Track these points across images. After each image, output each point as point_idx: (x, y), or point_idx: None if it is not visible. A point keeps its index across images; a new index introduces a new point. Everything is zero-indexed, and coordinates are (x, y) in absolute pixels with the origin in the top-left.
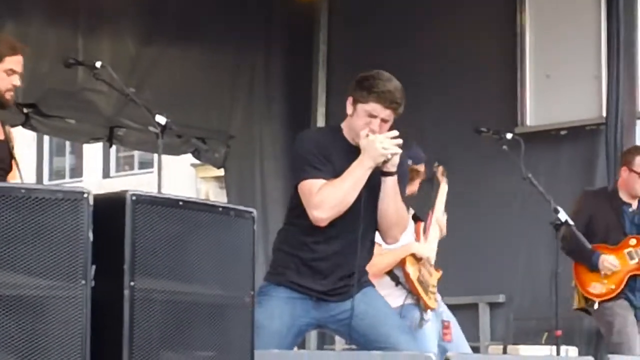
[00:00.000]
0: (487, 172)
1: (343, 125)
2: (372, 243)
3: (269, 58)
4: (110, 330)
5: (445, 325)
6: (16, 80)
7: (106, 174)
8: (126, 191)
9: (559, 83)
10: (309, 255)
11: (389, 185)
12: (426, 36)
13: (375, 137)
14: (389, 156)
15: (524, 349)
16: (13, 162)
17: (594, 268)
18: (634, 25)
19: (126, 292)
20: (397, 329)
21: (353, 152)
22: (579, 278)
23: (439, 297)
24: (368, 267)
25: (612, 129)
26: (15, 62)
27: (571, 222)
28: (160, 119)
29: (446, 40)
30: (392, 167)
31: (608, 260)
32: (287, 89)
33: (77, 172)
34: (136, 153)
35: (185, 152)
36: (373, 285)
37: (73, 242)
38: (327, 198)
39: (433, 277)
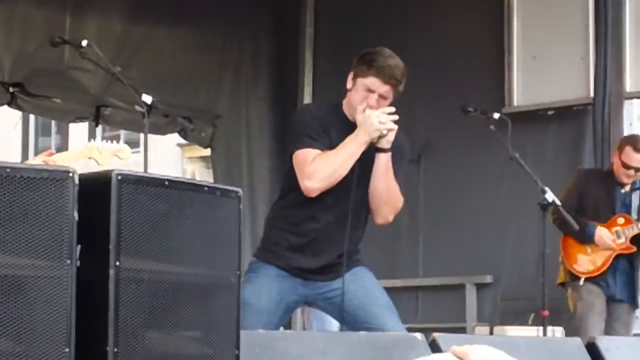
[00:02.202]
0: (475, 152)
1: (344, 101)
2: (366, 220)
3: (256, 38)
4: (96, 310)
5: None
6: None
7: None
8: (112, 170)
9: (546, 63)
10: (299, 230)
11: (382, 161)
12: (413, 17)
13: (372, 112)
14: (384, 132)
15: (511, 330)
16: None
17: (588, 239)
18: (621, 6)
19: (112, 272)
20: (387, 309)
21: (352, 128)
22: (566, 252)
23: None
24: None
25: (599, 109)
26: None
27: (558, 202)
28: (147, 98)
29: (434, 22)
30: (386, 143)
31: (605, 233)
32: (273, 69)
33: (63, 151)
34: (122, 133)
35: (171, 132)
36: (365, 265)
37: (58, 221)
38: (320, 168)
39: None
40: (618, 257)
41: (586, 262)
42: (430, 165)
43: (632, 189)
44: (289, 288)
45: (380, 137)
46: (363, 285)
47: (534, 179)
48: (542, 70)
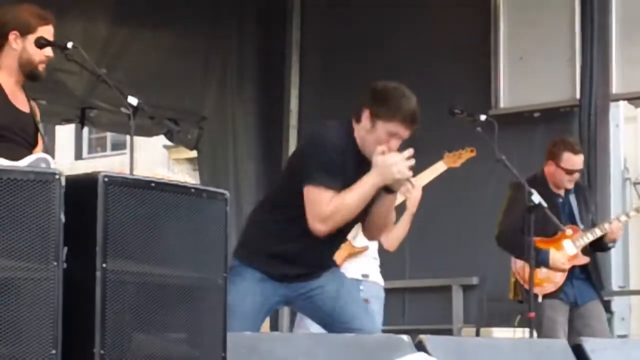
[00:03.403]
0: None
1: (356, 131)
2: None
3: (243, 40)
4: (82, 312)
5: None
6: (49, 52)
7: (78, 156)
8: (98, 172)
9: (532, 65)
10: (288, 244)
11: (390, 201)
12: (400, 19)
13: (391, 157)
14: (401, 180)
15: (497, 332)
16: (39, 136)
17: (542, 265)
18: (608, 8)
19: (98, 274)
20: (363, 311)
21: (363, 162)
22: (520, 272)
23: (354, 273)
24: None
25: (585, 111)
26: (47, 31)
27: (544, 204)
28: (133, 100)
29: (420, 24)
30: (397, 187)
31: (559, 258)
32: (260, 71)
33: (49, 153)
34: (108, 134)
35: (157, 134)
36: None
37: (45, 223)
38: (335, 215)
39: (341, 250)
40: (573, 267)
41: (541, 280)
42: (417, 166)
43: (567, 194)
44: (270, 289)
45: (397, 184)
46: (343, 285)
47: (521, 181)
48: (529, 72)
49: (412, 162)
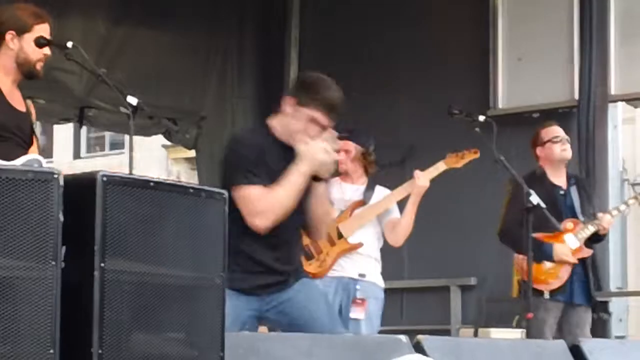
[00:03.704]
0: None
1: (273, 122)
2: (301, 236)
3: (241, 39)
4: (81, 311)
5: (356, 302)
6: (47, 50)
7: (77, 155)
8: (97, 172)
9: (531, 66)
10: (254, 257)
11: (320, 190)
12: (398, 19)
13: (315, 144)
14: (327, 164)
15: (495, 332)
16: (33, 137)
17: (546, 258)
18: (607, 9)
19: (96, 274)
20: (335, 320)
21: (286, 151)
22: (524, 269)
23: (351, 272)
24: None
25: (584, 111)
26: (44, 30)
27: (543, 205)
28: (132, 100)
29: (419, 24)
30: (326, 173)
31: (563, 249)
32: (259, 70)
33: (47, 152)
34: (107, 134)
35: (156, 133)
36: (308, 276)
37: (43, 222)
38: (269, 207)
39: (335, 246)
40: (574, 263)
41: (546, 275)
42: (415, 167)
43: (568, 186)
44: (244, 303)
45: (324, 170)
46: (312, 297)
47: (520, 182)
48: (527, 72)
49: (337, 145)
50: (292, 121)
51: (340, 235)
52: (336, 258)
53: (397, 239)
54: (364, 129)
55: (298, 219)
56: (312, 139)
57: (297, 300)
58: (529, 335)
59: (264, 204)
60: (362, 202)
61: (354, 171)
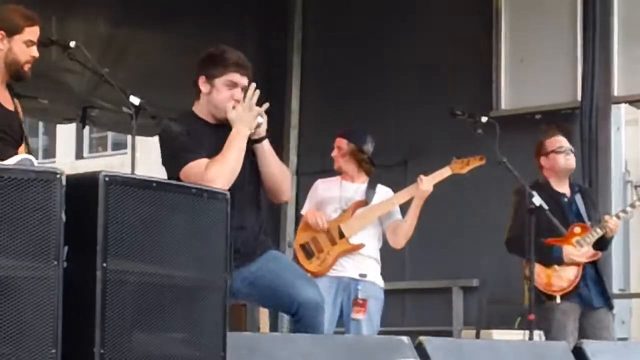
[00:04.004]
0: (462, 156)
1: (196, 109)
2: (262, 203)
3: (244, 40)
4: (83, 311)
5: (357, 303)
6: (35, 52)
7: (79, 155)
8: (99, 172)
9: (534, 67)
10: None
11: (267, 148)
12: (401, 20)
13: (242, 106)
14: (260, 120)
15: (497, 334)
16: (23, 136)
17: (556, 261)
18: (610, 10)
19: (98, 274)
20: (305, 280)
21: (217, 130)
22: (539, 276)
23: (352, 272)
24: None
25: (586, 113)
26: (34, 32)
27: (545, 207)
28: (134, 100)
29: (421, 25)
30: (263, 132)
31: (572, 251)
32: (261, 71)
33: (49, 152)
34: (110, 134)
35: (158, 133)
36: (275, 249)
37: (45, 222)
38: (218, 172)
39: (336, 246)
40: (585, 265)
41: (557, 280)
42: (417, 168)
43: (572, 194)
44: None
45: (257, 127)
46: (281, 262)
47: (522, 183)
48: (530, 73)
49: (266, 105)
50: (213, 97)
51: (341, 235)
52: (337, 258)
53: (399, 241)
54: (362, 130)
55: (254, 191)
56: (237, 101)
57: (267, 267)
58: (548, 339)
59: (213, 171)
60: (364, 202)
61: (352, 170)
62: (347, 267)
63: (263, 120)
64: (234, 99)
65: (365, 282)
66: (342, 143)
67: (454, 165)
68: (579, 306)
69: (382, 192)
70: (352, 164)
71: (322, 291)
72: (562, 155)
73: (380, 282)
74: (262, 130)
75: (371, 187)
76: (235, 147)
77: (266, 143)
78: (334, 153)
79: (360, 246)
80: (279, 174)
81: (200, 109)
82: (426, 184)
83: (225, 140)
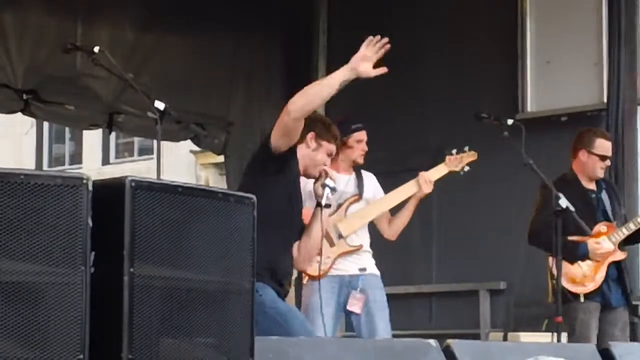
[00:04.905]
0: (488, 158)
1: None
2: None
3: (269, 44)
4: (110, 316)
5: (355, 297)
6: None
7: (106, 161)
8: (126, 177)
9: (559, 69)
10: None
11: (324, 218)
12: (427, 24)
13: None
14: (334, 186)
15: (525, 336)
16: None
17: (582, 257)
18: (635, 11)
19: (125, 279)
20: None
21: (298, 182)
22: (564, 273)
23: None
24: None
25: (613, 114)
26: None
27: (572, 209)
28: (159, 105)
29: (447, 27)
30: (332, 200)
31: (597, 249)
32: (287, 75)
33: (76, 158)
34: (136, 139)
35: (184, 139)
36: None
37: (72, 228)
38: (300, 97)
39: (335, 248)
40: (608, 265)
41: (582, 278)
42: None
43: (599, 191)
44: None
45: (333, 191)
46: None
47: (548, 186)
48: (556, 76)
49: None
50: (315, 154)
51: (339, 236)
52: (336, 260)
53: (394, 234)
54: (350, 120)
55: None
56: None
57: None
58: (572, 339)
59: (296, 97)
60: (358, 197)
61: (341, 159)
62: (346, 265)
63: (336, 190)
64: (325, 165)
65: (366, 276)
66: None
67: (448, 162)
68: (599, 305)
69: (369, 179)
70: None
71: (324, 292)
72: (601, 163)
73: (377, 272)
74: (333, 200)
75: (359, 176)
76: (325, 81)
77: (327, 212)
78: (364, 147)
79: (359, 247)
80: (317, 244)
81: (301, 155)
82: (427, 185)
83: (299, 194)
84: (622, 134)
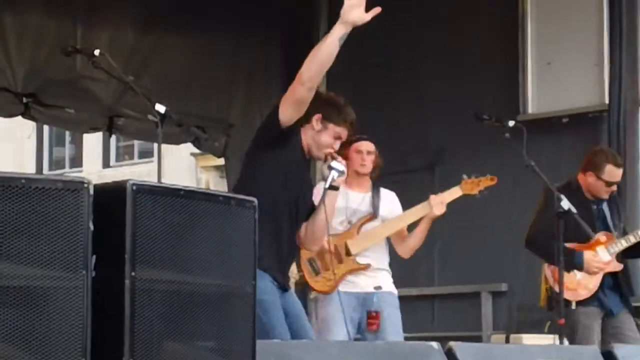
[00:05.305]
0: (489, 160)
1: (302, 133)
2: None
3: (269, 46)
4: (112, 320)
5: (371, 316)
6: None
7: (106, 164)
8: (127, 181)
9: (560, 70)
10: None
11: (333, 200)
12: (427, 24)
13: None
14: (344, 169)
15: (527, 338)
16: None
17: (577, 267)
18: (637, 12)
19: (127, 282)
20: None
21: (304, 163)
22: (554, 278)
23: (366, 287)
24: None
25: (614, 115)
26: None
27: (574, 210)
28: (160, 108)
29: (448, 28)
30: (340, 182)
31: (593, 259)
32: (287, 77)
33: (77, 162)
34: (136, 142)
35: (185, 141)
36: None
37: (73, 232)
38: (307, 65)
39: (343, 265)
40: (604, 275)
41: (576, 285)
42: (445, 173)
43: (601, 202)
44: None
45: (342, 174)
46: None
47: (550, 187)
48: (557, 77)
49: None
50: (320, 135)
51: (348, 253)
52: (343, 277)
53: (407, 252)
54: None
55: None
56: (333, 154)
57: (289, 307)
58: (573, 344)
59: (307, 64)
60: (372, 217)
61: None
62: (360, 283)
63: (345, 171)
64: (332, 148)
65: (382, 294)
66: (371, 147)
67: (464, 185)
68: (599, 310)
69: (387, 198)
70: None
71: (337, 310)
72: (607, 188)
73: (394, 290)
74: (340, 181)
75: (376, 194)
76: (325, 41)
77: (335, 195)
78: (364, 158)
79: (366, 266)
80: (321, 226)
81: (305, 137)
82: (440, 207)
83: (303, 175)
84: (624, 135)
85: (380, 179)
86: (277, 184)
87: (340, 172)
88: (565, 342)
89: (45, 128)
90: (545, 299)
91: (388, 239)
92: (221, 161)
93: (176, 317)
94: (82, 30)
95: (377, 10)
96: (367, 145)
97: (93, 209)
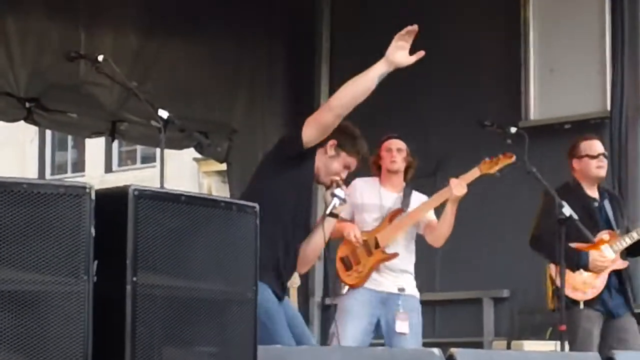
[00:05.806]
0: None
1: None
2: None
3: (272, 53)
4: (113, 325)
5: (401, 317)
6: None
7: (108, 169)
8: (129, 186)
9: (563, 77)
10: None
11: (331, 228)
12: (429, 30)
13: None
14: (345, 197)
15: (528, 344)
16: None
17: (582, 267)
18: (638, 19)
19: (128, 288)
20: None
21: (311, 186)
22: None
23: (390, 287)
24: None
25: (616, 122)
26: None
27: (575, 217)
28: (163, 113)
29: (450, 34)
30: (341, 211)
31: (599, 257)
32: (289, 82)
33: (79, 166)
34: (138, 147)
35: (187, 147)
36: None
37: (75, 237)
38: (338, 96)
39: (372, 257)
40: (609, 274)
41: (582, 285)
42: (447, 179)
43: (602, 199)
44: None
45: (343, 202)
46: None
47: (552, 194)
48: (559, 83)
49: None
50: (331, 162)
51: (377, 245)
52: (372, 268)
53: (438, 240)
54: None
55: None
56: (338, 182)
57: (293, 314)
58: (573, 347)
59: (332, 97)
60: (401, 210)
61: (400, 176)
62: (384, 282)
63: (346, 201)
64: (339, 177)
65: (406, 296)
66: (402, 145)
67: (482, 165)
68: (601, 314)
69: (417, 199)
70: (402, 171)
71: (359, 302)
72: (594, 161)
73: (417, 293)
74: (341, 209)
75: (407, 195)
76: (362, 76)
77: (333, 222)
78: (394, 155)
79: (395, 255)
80: (315, 251)
81: (319, 161)
82: (460, 188)
83: (310, 197)
84: (626, 142)
85: (414, 180)
86: (287, 202)
87: (342, 200)
88: (567, 348)
89: (48, 133)
90: (553, 301)
91: (416, 242)
92: (223, 166)
93: (177, 323)
94: (85, 35)
95: (421, 53)
96: (396, 143)
97: (95, 214)
